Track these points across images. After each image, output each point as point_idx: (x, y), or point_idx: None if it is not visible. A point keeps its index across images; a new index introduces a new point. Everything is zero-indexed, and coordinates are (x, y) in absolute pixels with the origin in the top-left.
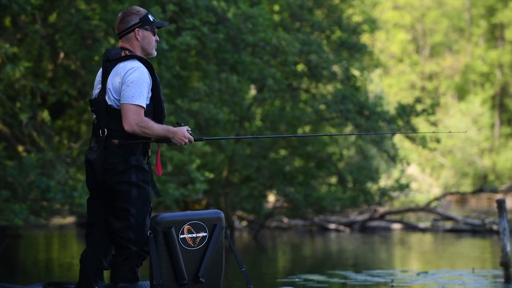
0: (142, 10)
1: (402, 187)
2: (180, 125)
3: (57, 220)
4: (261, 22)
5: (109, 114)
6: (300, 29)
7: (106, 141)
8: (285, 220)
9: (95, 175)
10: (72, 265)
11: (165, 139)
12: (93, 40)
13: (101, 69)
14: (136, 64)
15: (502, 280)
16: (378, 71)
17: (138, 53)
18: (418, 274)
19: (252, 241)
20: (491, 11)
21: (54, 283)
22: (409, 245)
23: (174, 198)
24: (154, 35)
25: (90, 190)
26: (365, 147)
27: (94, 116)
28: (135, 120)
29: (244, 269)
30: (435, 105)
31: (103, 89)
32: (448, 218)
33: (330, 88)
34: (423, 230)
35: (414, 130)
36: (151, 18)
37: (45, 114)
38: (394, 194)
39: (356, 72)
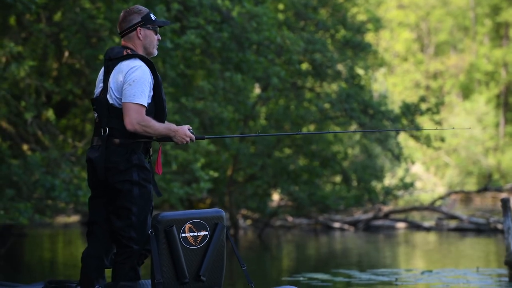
0: (144, 9)
1: (407, 186)
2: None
3: (61, 219)
4: (265, 21)
5: (111, 113)
6: (305, 28)
7: (107, 140)
8: (290, 218)
9: (97, 174)
10: (76, 264)
11: (166, 138)
12: (98, 39)
13: (103, 68)
14: (137, 63)
15: (506, 279)
16: (382, 70)
17: (140, 52)
18: (422, 273)
19: (257, 239)
20: (495, 10)
21: (56, 281)
22: (413, 244)
23: (179, 197)
24: (156, 34)
25: (91, 189)
26: (370, 146)
27: (96, 115)
28: (136, 119)
29: (245, 268)
30: (439, 104)
31: (105, 88)
32: (453, 217)
33: (334, 87)
34: (428, 229)
35: (419, 128)
36: (153, 17)
37: (50, 113)
38: (399, 193)
39: (360, 71)
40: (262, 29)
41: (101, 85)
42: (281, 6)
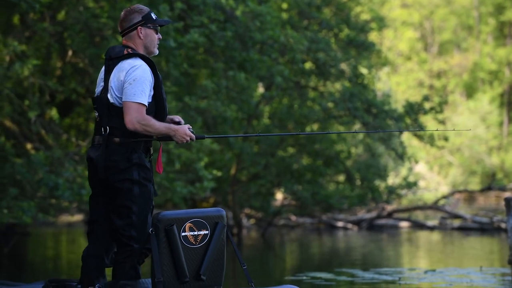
0: (145, 8)
1: (410, 185)
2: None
3: (65, 218)
4: (269, 20)
5: (111, 112)
6: (308, 27)
7: (108, 139)
8: (293, 218)
9: (97, 173)
10: (80, 263)
11: (166, 137)
12: (101, 38)
13: (103, 67)
14: (138, 62)
15: (510, 278)
16: (386, 69)
17: (141, 51)
18: (425, 272)
19: (260, 239)
20: (499, 9)
21: (56, 280)
22: (417, 243)
23: (182, 196)
24: (157, 33)
25: (92, 188)
26: (373, 145)
27: (97, 114)
28: (136, 118)
29: (245, 267)
30: (443, 103)
31: (106, 87)
32: (456, 216)
33: (338, 86)
34: (431, 228)
35: (422, 128)
36: (153, 16)
37: (54, 112)
38: (402, 192)
39: (364, 70)
40: (266, 28)
41: (102, 84)
42: (284, 5)
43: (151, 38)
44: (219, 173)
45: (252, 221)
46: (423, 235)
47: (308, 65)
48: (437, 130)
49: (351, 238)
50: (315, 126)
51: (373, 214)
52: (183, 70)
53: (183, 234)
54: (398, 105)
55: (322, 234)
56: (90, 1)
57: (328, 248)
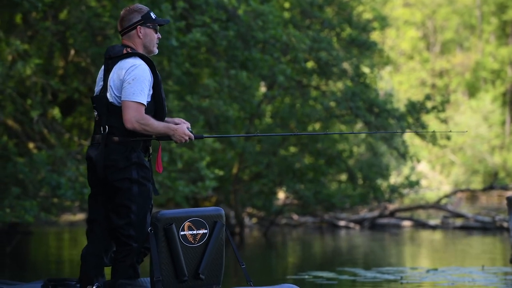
0: (144, 8)
1: (412, 184)
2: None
3: (67, 217)
4: (271, 19)
5: (110, 111)
6: (310, 26)
7: (107, 138)
8: (295, 217)
9: (96, 172)
10: None
11: (165, 137)
12: (104, 37)
13: (103, 66)
14: (137, 62)
15: None
16: (388, 68)
17: (140, 50)
18: (427, 271)
19: (262, 238)
20: (502, 8)
21: (55, 279)
22: (419, 242)
23: (184, 195)
24: (156, 33)
25: (91, 187)
26: (375, 144)
27: (96, 113)
28: (135, 117)
29: (244, 266)
30: (445, 102)
31: (105, 86)
32: (458, 216)
33: (340, 85)
34: (433, 227)
35: (424, 127)
36: (153, 15)
37: (56, 111)
38: (404, 191)
39: (366, 69)
40: (268, 27)
41: (101, 83)
42: (286, 5)
43: (151, 37)
44: (221, 172)
45: (254, 220)
46: (425, 234)
47: (310, 64)
48: (433, 132)
49: (353, 237)
50: (317, 125)
51: (375, 213)
52: (185, 69)
53: (182, 233)
54: (400, 105)
55: (324, 233)
56: (92, 0)
57: (330, 247)
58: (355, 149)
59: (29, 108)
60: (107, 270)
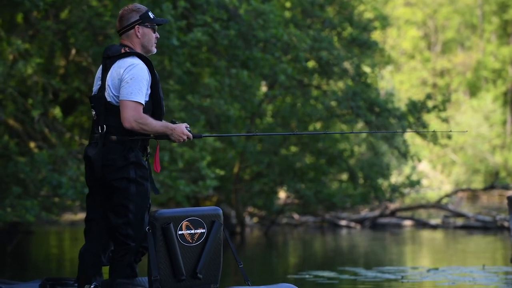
0: (143, 8)
1: (413, 184)
2: (174, 123)
3: (68, 216)
4: (272, 18)
5: (108, 111)
6: (311, 26)
7: (105, 137)
8: (296, 216)
9: (94, 171)
10: None
11: (163, 136)
12: (105, 37)
13: (101, 66)
14: (135, 61)
15: None
16: (389, 68)
17: (138, 50)
18: (428, 270)
19: (263, 237)
20: (503, 8)
21: (53, 278)
22: (419, 241)
23: (185, 194)
24: (154, 32)
25: (89, 187)
26: (376, 144)
27: (94, 113)
28: (133, 117)
29: (241, 265)
30: (446, 102)
31: (103, 86)
32: (459, 215)
33: (341, 84)
34: (434, 227)
35: (425, 126)
36: (151, 15)
37: (57, 111)
38: (405, 190)
39: (367, 69)
40: (269, 26)
41: (99, 82)
42: (287, 4)
43: (149, 37)
44: (221, 172)
45: (255, 219)
46: (426, 233)
47: (311, 63)
48: (434, 131)
49: (354, 236)
50: (318, 125)
51: (376, 212)
52: (186, 69)
53: (179, 232)
54: (401, 104)
55: (325, 233)
56: None
57: (331, 246)
58: (356, 148)
59: (30, 107)
60: (105, 269)
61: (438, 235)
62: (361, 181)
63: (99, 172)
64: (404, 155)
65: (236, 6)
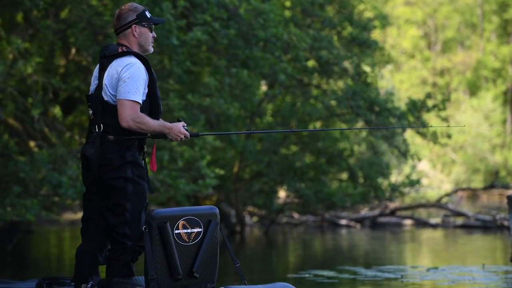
0: (140, 7)
1: (413, 183)
2: (179, 121)
3: (68, 216)
4: (272, 17)
5: (105, 110)
6: (311, 25)
7: (102, 137)
8: (296, 215)
9: (91, 171)
10: None
11: (161, 135)
12: (105, 36)
13: (98, 65)
14: (132, 60)
15: None
16: (389, 67)
17: (135, 49)
18: (428, 270)
19: (263, 236)
20: (503, 7)
21: (50, 278)
22: (419, 241)
23: (185, 194)
24: (151, 32)
25: (86, 186)
26: (376, 143)
27: (91, 112)
28: (131, 116)
29: (238, 264)
30: (445, 101)
31: (100, 85)
32: (459, 214)
33: (340, 84)
34: (434, 226)
35: (424, 126)
36: (148, 14)
37: (57, 110)
38: (405, 190)
39: (367, 68)
40: (269, 26)
41: (96, 82)
42: (287, 3)
43: (146, 36)
44: (221, 171)
45: (255, 218)
46: (426, 233)
47: (311, 63)
48: (431, 126)
49: (354, 236)
50: (318, 124)
51: (376, 212)
52: (186, 68)
53: (176, 231)
54: (401, 103)
55: (325, 232)
56: None
57: (331, 246)
58: (356, 147)
59: (30, 106)
60: (102, 269)
61: (438, 234)
62: (361, 180)
63: (96, 172)
64: (404, 154)
65: (236, 6)
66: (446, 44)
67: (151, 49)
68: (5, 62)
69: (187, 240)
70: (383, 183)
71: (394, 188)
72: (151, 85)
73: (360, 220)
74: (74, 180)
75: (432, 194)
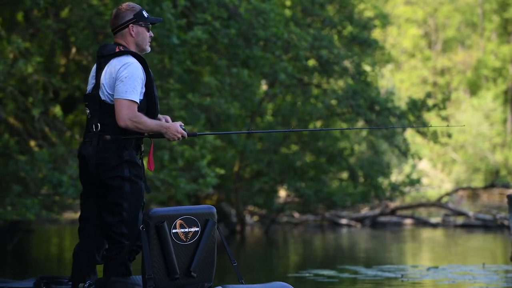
0: (137, 6)
1: (413, 182)
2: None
3: (69, 215)
4: (272, 17)
5: (103, 109)
6: (312, 24)
7: (99, 136)
8: (296, 215)
9: (88, 170)
10: None
11: (158, 134)
12: (105, 36)
13: (95, 65)
14: (130, 60)
15: None
16: (389, 66)
17: (133, 49)
18: (428, 269)
19: (263, 236)
20: (503, 6)
21: (47, 277)
22: (420, 240)
23: (185, 193)
24: (148, 31)
25: (83, 185)
26: (376, 142)
27: (88, 111)
28: (128, 115)
29: (235, 264)
30: (446, 100)
31: (97, 84)
32: (459, 214)
33: (341, 83)
34: (434, 226)
35: (425, 125)
36: (145, 14)
37: (57, 109)
38: (405, 189)
39: (367, 67)
40: (269, 25)
41: (93, 81)
42: (288, 3)
43: (143, 36)
44: (222, 171)
45: (255, 218)
46: (426, 232)
47: (311, 62)
48: (431, 125)
49: (354, 235)
50: (318, 123)
51: (376, 211)
52: (186, 67)
53: (173, 231)
54: (402, 103)
55: (325, 231)
56: None
57: (331, 245)
58: (356, 147)
59: (30, 106)
60: (99, 268)
61: (438, 233)
62: (361, 179)
63: (93, 171)
64: (404, 153)
65: (236, 5)
66: (446, 44)
67: (148, 49)
68: (6, 62)
69: (184, 239)
70: (384, 182)
71: (395, 187)
72: (148, 84)
73: (361, 220)
74: (75, 179)
75: (432, 193)
